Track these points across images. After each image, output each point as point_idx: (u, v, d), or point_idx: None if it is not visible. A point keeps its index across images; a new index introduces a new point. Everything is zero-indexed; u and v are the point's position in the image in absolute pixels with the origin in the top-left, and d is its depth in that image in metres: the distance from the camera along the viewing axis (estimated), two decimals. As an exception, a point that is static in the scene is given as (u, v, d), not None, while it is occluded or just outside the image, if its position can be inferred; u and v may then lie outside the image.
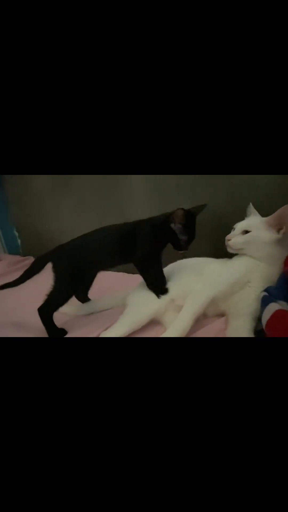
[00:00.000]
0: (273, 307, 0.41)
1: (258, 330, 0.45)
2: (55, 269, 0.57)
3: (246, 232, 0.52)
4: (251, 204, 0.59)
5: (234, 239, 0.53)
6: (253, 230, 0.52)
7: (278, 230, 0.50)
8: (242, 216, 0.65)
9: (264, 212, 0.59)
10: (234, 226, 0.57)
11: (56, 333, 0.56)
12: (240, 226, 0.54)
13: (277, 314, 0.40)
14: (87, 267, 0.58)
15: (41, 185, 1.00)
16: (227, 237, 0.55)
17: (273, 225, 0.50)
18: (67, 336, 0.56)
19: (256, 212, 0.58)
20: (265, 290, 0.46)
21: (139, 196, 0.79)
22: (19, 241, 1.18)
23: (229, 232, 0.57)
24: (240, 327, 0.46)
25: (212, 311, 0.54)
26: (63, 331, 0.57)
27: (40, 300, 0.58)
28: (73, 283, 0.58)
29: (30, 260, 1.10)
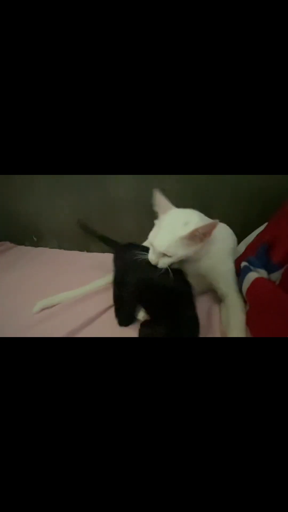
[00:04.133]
0: (252, 275, 0.45)
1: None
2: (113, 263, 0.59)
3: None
4: (159, 193, 0.50)
5: (160, 263, 0.47)
6: (173, 255, 0.46)
7: (201, 240, 0.46)
8: (224, 192, 0.67)
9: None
10: (151, 240, 0.48)
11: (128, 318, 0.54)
12: (158, 250, 0.46)
13: (256, 282, 0.44)
14: None
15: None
16: (151, 262, 0.48)
17: (194, 239, 0.45)
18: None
19: (166, 201, 0.50)
20: (246, 260, 0.50)
21: (124, 174, 0.77)
22: (-9, 225, 1.12)
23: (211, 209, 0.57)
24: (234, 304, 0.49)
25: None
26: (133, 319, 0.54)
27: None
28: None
29: (5, 245, 1.05)
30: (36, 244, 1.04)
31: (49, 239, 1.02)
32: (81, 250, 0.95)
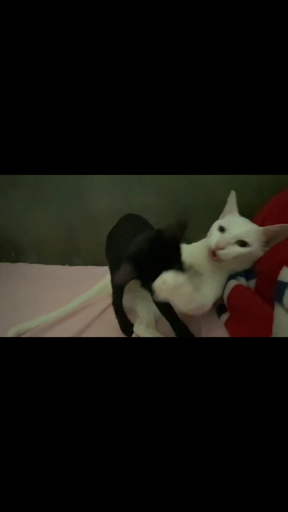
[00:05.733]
0: (232, 283, 0.48)
1: (219, 305, 0.52)
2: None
3: (243, 244, 0.44)
4: (234, 195, 0.54)
5: (227, 250, 0.44)
6: (252, 244, 0.44)
7: (267, 245, 0.46)
8: (201, 203, 0.71)
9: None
10: (223, 224, 0.47)
11: (127, 327, 0.53)
12: (235, 233, 0.45)
13: (235, 289, 0.47)
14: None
15: (-15, 176, 0.91)
16: (219, 243, 0.44)
17: (266, 239, 0.46)
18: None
19: (235, 208, 0.53)
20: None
21: (101, 184, 0.79)
22: None
23: (189, 221, 0.58)
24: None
25: None
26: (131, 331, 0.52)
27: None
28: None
29: (-19, 262, 1.01)
30: (14, 260, 1.01)
31: (28, 253, 0.99)
32: (63, 264, 0.94)
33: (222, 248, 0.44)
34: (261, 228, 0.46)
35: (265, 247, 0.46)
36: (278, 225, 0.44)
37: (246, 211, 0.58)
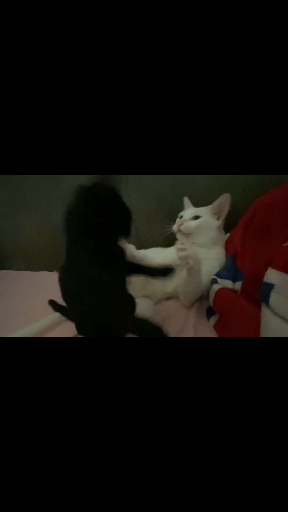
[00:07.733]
0: (215, 287, 0.49)
1: (208, 307, 0.53)
2: None
3: (196, 218, 0.61)
4: (187, 198, 0.70)
5: (186, 224, 0.60)
6: (202, 216, 0.61)
7: (218, 218, 0.62)
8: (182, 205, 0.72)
9: (199, 201, 0.66)
10: (181, 214, 0.65)
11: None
12: (189, 212, 0.63)
13: (218, 293, 0.47)
14: None
15: None
16: (180, 222, 0.61)
17: (215, 213, 0.62)
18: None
19: (191, 204, 0.69)
20: (216, 274, 0.54)
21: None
22: None
23: (174, 218, 0.62)
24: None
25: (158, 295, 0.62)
26: None
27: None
28: None
29: None
30: (-2, 267, 0.99)
31: (13, 260, 0.97)
32: (50, 269, 0.92)
33: (181, 224, 0.60)
34: (208, 206, 0.63)
35: (219, 219, 0.62)
36: (219, 198, 0.61)
37: (232, 212, 0.59)
